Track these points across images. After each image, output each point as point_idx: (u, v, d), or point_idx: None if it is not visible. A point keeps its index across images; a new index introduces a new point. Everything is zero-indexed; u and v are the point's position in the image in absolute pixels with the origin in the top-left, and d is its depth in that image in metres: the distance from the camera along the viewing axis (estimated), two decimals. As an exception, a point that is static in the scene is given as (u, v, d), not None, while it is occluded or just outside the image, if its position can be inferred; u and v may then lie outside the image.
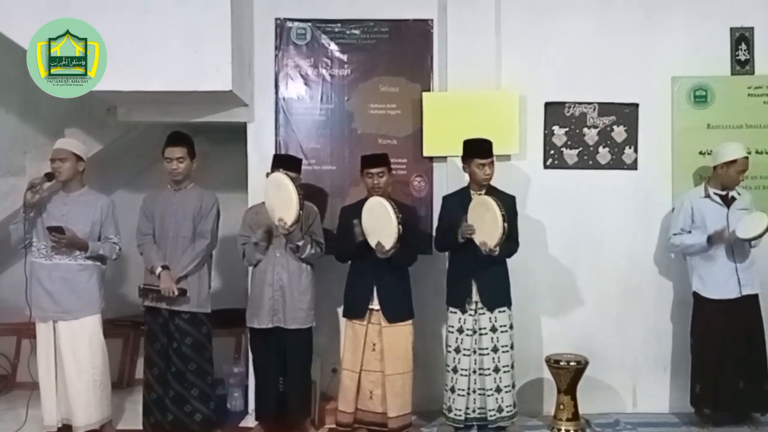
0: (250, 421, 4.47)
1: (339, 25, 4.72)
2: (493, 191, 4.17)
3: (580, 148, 4.72)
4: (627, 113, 4.70)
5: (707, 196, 4.34)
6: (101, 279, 4.22)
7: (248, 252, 4.19)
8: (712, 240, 4.20)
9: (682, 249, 4.40)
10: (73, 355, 4.05)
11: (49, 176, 4.04)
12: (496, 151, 4.30)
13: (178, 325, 4.16)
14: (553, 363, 4.38)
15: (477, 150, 4.15)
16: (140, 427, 4.30)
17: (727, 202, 4.30)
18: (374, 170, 4.19)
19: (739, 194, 4.34)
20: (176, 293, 4.07)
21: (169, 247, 4.19)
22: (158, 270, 4.11)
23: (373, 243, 4.02)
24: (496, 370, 4.16)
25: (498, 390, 4.17)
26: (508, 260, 4.21)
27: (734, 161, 4.26)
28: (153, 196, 4.34)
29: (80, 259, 4.10)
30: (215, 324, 4.40)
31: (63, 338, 4.05)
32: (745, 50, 4.69)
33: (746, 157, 4.29)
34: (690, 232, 4.36)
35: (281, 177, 3.97)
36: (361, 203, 4.15)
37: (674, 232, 4.40)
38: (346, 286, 4.33)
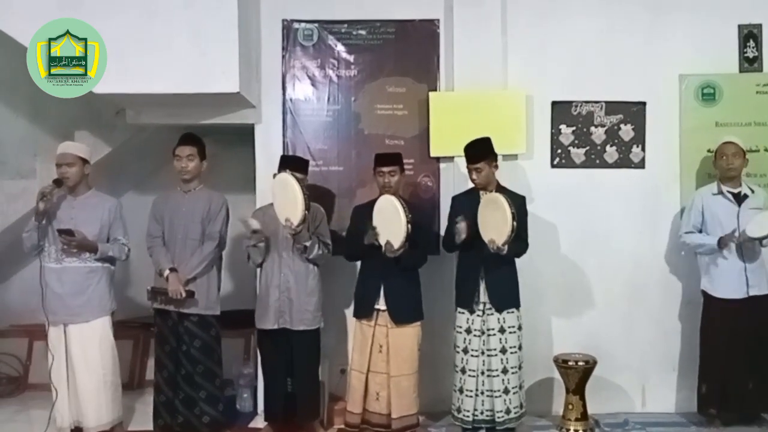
0: (259, 422, 4.49)
1: (345, 25, 4.73)
2: (503, 191, 4.15)
3: (588, 147, 4.71)
4: (634, 112, 4.68)
5: (720, 192, 4.32)
6: (111, 281, 4.24)
7: (251, 253, 4.21)
8: (722, 243, 4.18)
9: (692, 248, 4.38)
10: (84, 357, 4.07)
11: (57, 182, 4.05)
12: (503, 150, 4.33)
13: (187, 328, 4.17)
14: (561, 363, 4.37)
15: (465, 155, 4.18)
16: (151, 428, 4.31)
17: (739, 200, 4.28)
18: (386, 169, 4.21)
19: (752, 192, 4.32)
20: (184, 295, 4.08)
21: (178, 250, 4.21)
22: (166, 272, 4.12)
23: (382, 242, 4.02)
24: (504, 371, 4.15)
25: (506, 391, 4.15)
26: (516, 260, 4.20)
27: (717, 149, 4.30)
28: (162, 198, 4.36)
29: (89, 262, 4.11)
30: (224, 325, 4.41)
31: (74, 341, 4.07)
32: (753, 47, 4.67)
33: (728, 143, 4.28)
34: (701, 230, 4.34)
35: (287, 177, 3.98)
36: (373, 203, 4.15)
37: (685, 230, 4.38)
38: (356, 285, 4.35)
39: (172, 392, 4.19)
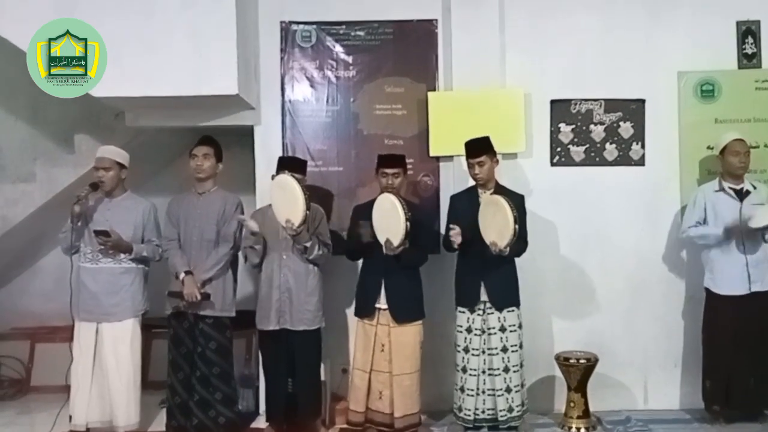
0: (261, 422, 4.48)
1: (344, 26, 4.73)
2: (502, 190, 4.17)
3: (587, 145, 4.71)
4: (633, 109, 4.68)
5: (721, 189, 4.31)
6: (144, 281, 4.29)
7: (248, 254, 4.23)
8: (729, 231, 4.17)
9: (696, 239, 4.33)
10: (115, 356, 4.12)
11: (93, 186, 4.11)
12: (502, 149, 4.33)
13: (203, 330, 4.18)
14: (563, 361, 4.38)
15: (466, 149, 4.18)
16: (155, 428, 4.35)
17: (741, 196, 4.27)
18: (390, 171, 4.22)
19: (754, 188, 4.31)
20: (199, 298, 4.09)
21: (194, 252, 4.22)
22: (181, 276, 4.13)
23: (382, 240, 4.02)
24: (506, 370, 4.16)
25: (508, 390, 4.16)
26: (516, 259, 4.20)
27: (726, 146, 4.28)
28: (177, 200, 4.37)
29: (124, 263, 4.17)
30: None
31: (106, 339, 4.12)
32: (751, 44, 4.67)
33: (739, 140, 4.28)
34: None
35: (286, 178, 3.99)
36: (373, 202, 4.14)
37: (689, 225, 4.37)
38: (357, 284, 4.35)
39: (186, 394, 4.19)
